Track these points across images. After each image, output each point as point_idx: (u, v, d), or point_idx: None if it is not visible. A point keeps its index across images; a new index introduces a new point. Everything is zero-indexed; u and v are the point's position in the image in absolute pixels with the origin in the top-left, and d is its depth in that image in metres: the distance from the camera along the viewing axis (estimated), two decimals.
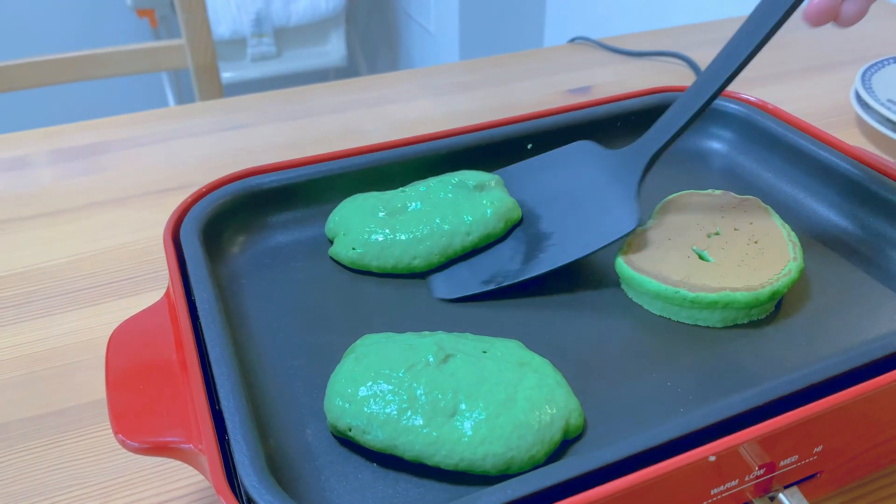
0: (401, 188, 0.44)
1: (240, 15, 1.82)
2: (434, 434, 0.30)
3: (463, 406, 0.30)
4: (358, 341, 0.34)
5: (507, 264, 0.40)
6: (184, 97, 2.02)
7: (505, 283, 0.39)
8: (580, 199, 0.41)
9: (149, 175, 0.66)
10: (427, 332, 0.34)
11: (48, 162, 0.68)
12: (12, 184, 0.65)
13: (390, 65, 2.30)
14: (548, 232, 0.40)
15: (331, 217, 0.43)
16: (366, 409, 0.30)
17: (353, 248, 0.40)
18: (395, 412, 0.30)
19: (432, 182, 0.43)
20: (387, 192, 0.44)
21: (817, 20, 0.36)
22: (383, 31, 2.30)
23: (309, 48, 1.98)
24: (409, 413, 0.30)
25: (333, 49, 2.00)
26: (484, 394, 0.30)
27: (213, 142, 0.71)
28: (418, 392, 0.30)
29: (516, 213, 0.42)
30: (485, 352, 0.33)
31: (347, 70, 2.13)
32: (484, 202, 0.41)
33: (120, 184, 0.65)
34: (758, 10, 0.37)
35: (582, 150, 0.44)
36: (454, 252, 0.40)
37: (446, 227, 0.40)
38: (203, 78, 1.07)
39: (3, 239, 0.58)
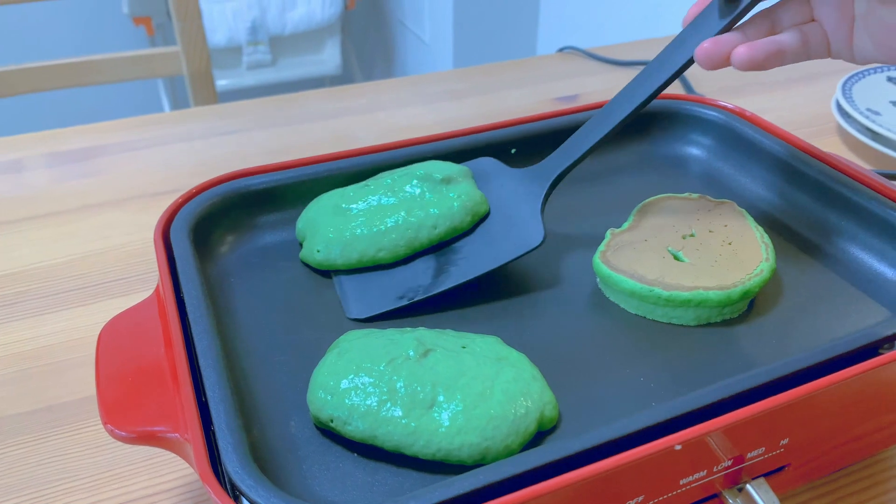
0: (364, 182, 0.44)
1: (236, 23, 1.84)
2: (413, 425, 0.31)
3: (441, 398, 0.31)
4: (341, 337, 0.35)
5: (419, 279, 0.40)
6: (179, 104, 2.03)
7: (417, 299, 0.39)
8: (488, 215, 0.42)
9: (142, 178, 0.67)
10: (409, 329, 0.35)
11: (43, 165, 0.69)
12: (7, 186, 0.66)
13: (385, 73, 2.32)
14: (458, 246, 0.41)
15: (297, 222, 0.43)
16: (347, 401, 0.31)
17: (317, 251, 0.41)
18: (375, 404, 0.31)
19: (397, 174, 0.43)
20: (350, 186, 0.44)
21: (708, 64, 0.36)
22: (378, 40, 2.32)
23: (304, 56, 2.00)
24: (388, 405, 0.31)
25: (329, 57, 2.01)
26: (462, 386, 0.31)
27: (206, 146, 0.72)
28: (398, 385, 0.31)
29: (483, 207, 0.42)
30: (464, 347, 0.34)
31: (342, 78, 2.15)
32: (451, 195, 0.41)
33: (114, 187, 0.66)
34: (668, 48, 0.39)
35: (486, 167, 0.44)
36: (420, 245, 0.41)
37: (412, 219, 0.40)
38: (198, 85, 1.09)
39: None
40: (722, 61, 0.36)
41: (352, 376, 0.32)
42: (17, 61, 1.00)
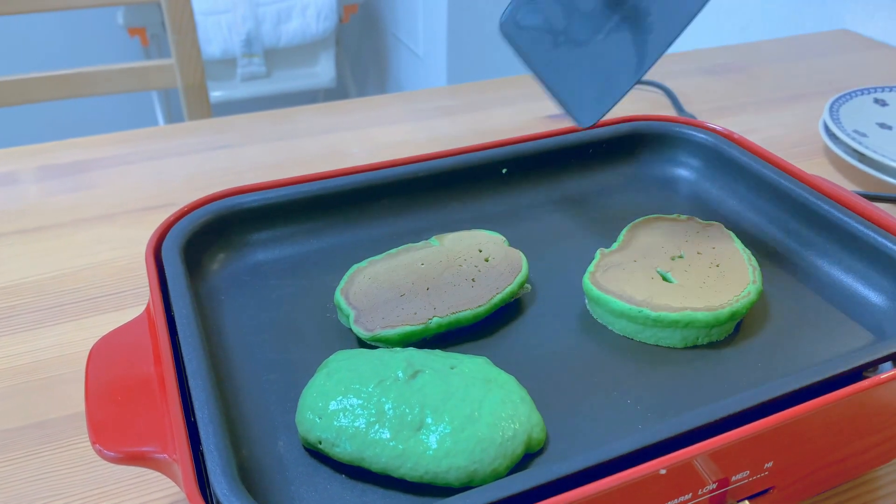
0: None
1: (230, 35, 1.84)
2: (400, 447, 0.31)
3: (429, 420, 0.31)
4: (331, 357, 0.35)
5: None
6: (173, 116, 2.04)
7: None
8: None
9: (134, 193, 0.67)
10: (398, 349, 0.36)
11: (35, 178, 0.69)
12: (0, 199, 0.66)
13: (379, 87, 2.33)
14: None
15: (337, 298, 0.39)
16: (335, 423, 0.32)
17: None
18: (363, 426, 0.31)
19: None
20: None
21: None
22: (373, 54, 2.33)
23: (298, 69, 2.01)
24: (376, 426, 0.31)
25: (323, 70, 2.02)
26: (450, 408, 0.32)
27: (199, 161, 0.73)
28: (386, 406, 0.32)
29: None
30: (452, 368, 0.34)
31: (336, 91, 2.16)
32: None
33: (106, 201, 0.66)
34: None
35: None
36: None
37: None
38: (192, 97, 1.09)
39: None
40: None
41: (340, 398, 0.32)
42: (11, 72, 1.00)
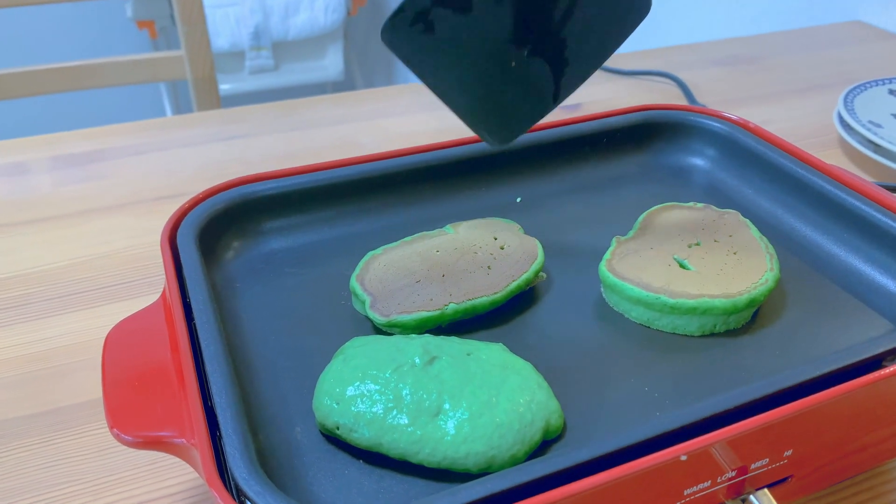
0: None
1: (239, 28, 1.84)
2: (418, 433, 0.31)
3: (447, 406, 0.31)
4: (347, 343, 0.35)
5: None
6: (181, 108, 2.04)
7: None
8: None
9: (146, 183, 0.67)
10: (414, 335, 0.36)
11: (47, 168, 0.69)
12: (12, 189, 0.66)
13: (386, 80, 2.33)
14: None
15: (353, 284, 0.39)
16: (353, 409, 0.31)
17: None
18: (381, 411, 0.31)
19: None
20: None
21: None
22: (381, 47, 2.32)
23: (306, 62, 2.00)
24: (394, 412, 0.31)
25: (331, 64, 2.02)
26: (467, 394, 0.32)
27: (210, 151, 0.73)
28: (404, 392, 0.32)
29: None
30: (469, 354, 0.34)
31: (344, 85, 2.16)
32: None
33: (118, 191, 0.66)
34: None
35: None
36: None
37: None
38: (201, 90, 1.09)
39: (2, 242, 0.59)
40: None
41: (358, 383, 0.32)
42: (21, 64, 1.00)
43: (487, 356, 0.34)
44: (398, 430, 0.31)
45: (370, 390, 0.32)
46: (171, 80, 1.09)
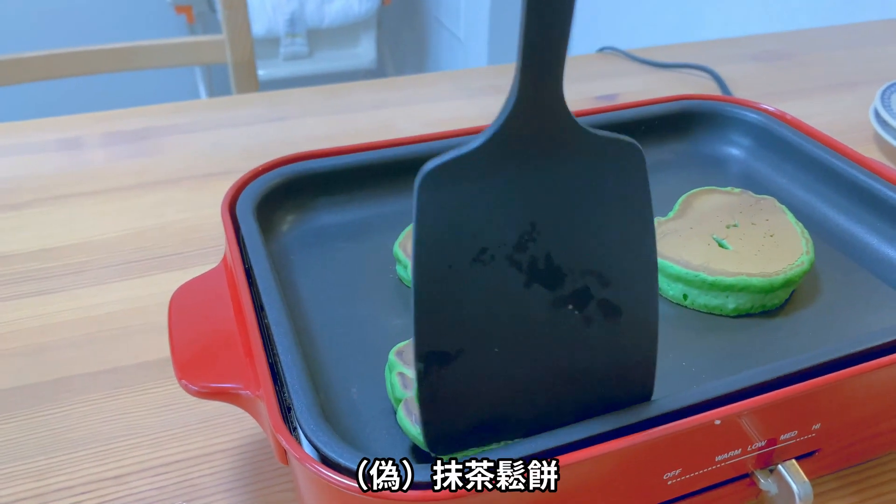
0: None
1: (275, 15, 1.87)
2: None
3: None
4: None
5: None
6: (215, 91, 2.07)
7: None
8: None
9: (195, 160, 0.70)
10: None
11: (100, 144, 0.72)
12: (69, 162, 0.69)
13: (418, 69, 2.35)
14: None
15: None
16: None
17: None
18: None
19: None
20: None
21: None
22: (413, 36, 2.34)
23: (340, 50, 2.03)
24: None
25: (364, 52, 2.04)
26: None
27: (254, 132, 0.75)
28: None
29: None
30: None
31: (376, 73, 2.17)
32: None
33: (168, 167, 0.68)
34: None
35: None
36: None
37: None
38: (241, 74, 1.12)
39: (62, 212, 0.62)
40: None
41: None
42: (60, 46, 1.03)
43: None
44: None
45: None
46: (212, 63, 1.11)
